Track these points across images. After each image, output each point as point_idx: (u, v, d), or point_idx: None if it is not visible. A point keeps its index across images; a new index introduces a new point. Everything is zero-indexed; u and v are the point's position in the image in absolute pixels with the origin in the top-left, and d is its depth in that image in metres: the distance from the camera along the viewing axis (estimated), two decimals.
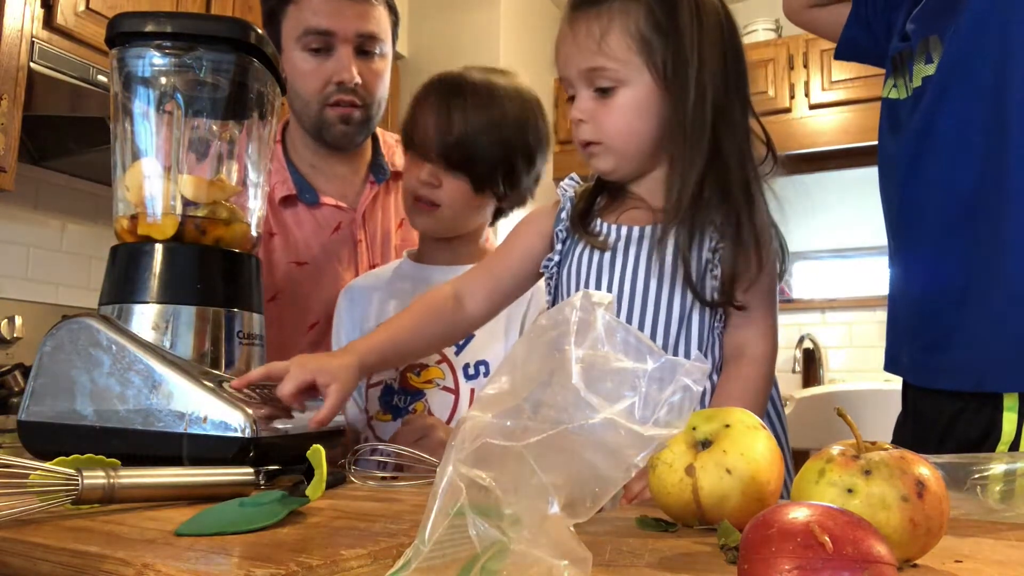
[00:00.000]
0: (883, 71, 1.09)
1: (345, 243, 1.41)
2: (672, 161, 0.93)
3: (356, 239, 1.41)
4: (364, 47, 1.34)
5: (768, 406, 0.98)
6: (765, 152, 0.97)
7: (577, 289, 0.98)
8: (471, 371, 1.19)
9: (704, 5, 0.92)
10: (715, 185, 0.92)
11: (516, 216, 1.25)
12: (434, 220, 1.20)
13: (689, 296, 0.92)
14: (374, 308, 1.26)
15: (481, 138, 1.14)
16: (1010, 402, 0.89)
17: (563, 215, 1.00)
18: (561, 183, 1.04)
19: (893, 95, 1.04)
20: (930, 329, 0.97)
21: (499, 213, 1.28)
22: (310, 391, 0.87)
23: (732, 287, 0.90)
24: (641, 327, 0.93)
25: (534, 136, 1.19)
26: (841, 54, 1.18)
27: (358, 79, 1.33)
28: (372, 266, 1.42)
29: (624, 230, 0.97)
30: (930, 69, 0.95)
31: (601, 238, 0.97)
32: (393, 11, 1.41)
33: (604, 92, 0.92)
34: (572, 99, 0.96)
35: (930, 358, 0.97)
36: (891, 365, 1.06)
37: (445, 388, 1.18)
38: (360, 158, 1.47)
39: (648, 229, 0.95)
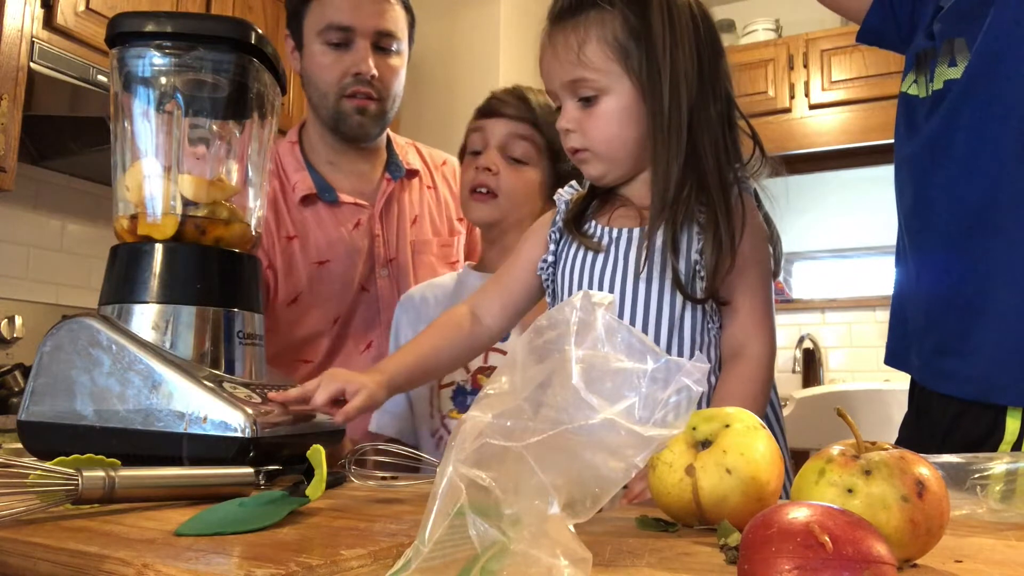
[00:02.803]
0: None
1: (364, 238, 1.43)
2: (654, 163, 0.94)
3: (374, 234, 1.44)
4: (381, 44, 1.39)
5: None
6: (753, 149, 0.97)
7: (571, 289, 0.99)
8: None
9: (675, 6, 0.93)
10: (694, 183, 0.93)
11: None
12: (490, 208, 1.24)
13: (679, 296, 0.93)
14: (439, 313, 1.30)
15: (547, 128, 1.19)
16: (1013, 408, 0.90)
17: (557, 219, 1.03)
18: (559, 190, 1.07)
19: (913, 91, 1.04)
20: (937, 333, 0.97)
21: None
22: (341, 401, 0.89)
23: (713, 281, 0.91)
24: (633, 327, 0.94)
25: None
26: (863, 38, 1.18)
27: (375, 71, 1.38)
28: (388, 260, 1.44)
29: (615, 232, 0.98)
30: (953, 72, 0.95)
31: (594, 240, 0.99)
32: (410, 12, 1.45)
33: (588, 101, 0.94)
34: (559, 109, 0.98)
35: (937, 362, 0.97)
36: (896, 361, 1.06)
37: None
38: (377, 155, 1.51)
39: (636, 231, 0.97)
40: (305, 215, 1.42)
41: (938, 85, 0.97)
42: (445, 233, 1.53)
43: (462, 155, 1.32)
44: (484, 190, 1.23)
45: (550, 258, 1.02)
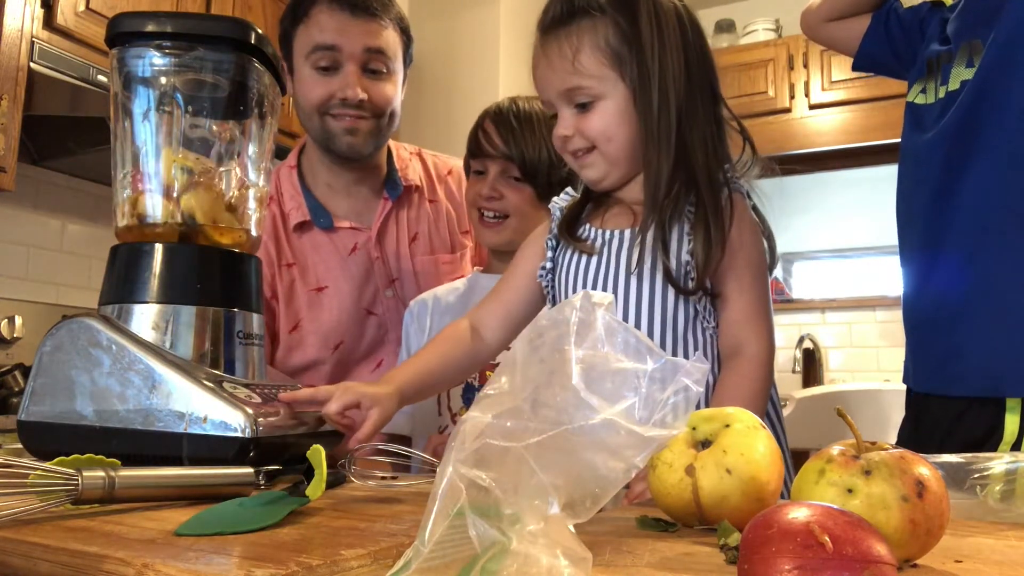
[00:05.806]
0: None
1: (362, 263, 1.41)
2: (646, 164, 0.95)
3: (372, 257, 1.42)
4: (371, 65, 1.34)
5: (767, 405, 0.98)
6: (743, 146, 0.98)
7: (568, 293, 1.00)
8: None
9: (662, 9, 0.94)
10: (683, 182, 0.94)
11: None
12: (503, 231, 1.25)
13: (671, 295, 0.93)
14: (448, 319, 1.29)
15: (539, 151, 1.22)
16: (1012, 403, 0.90)
17: (553, 226, 1.04)
18: (554, 198, 1.07)
19: (919, 100, 1.04)
20: (944, 338, 0.98)
21: None
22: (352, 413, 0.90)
23: (703, 274, 0.92)
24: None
25: None
26: (859, 66, 1.20)
27: (363, 95, 1.32)
28: (390, 282, 1.43)
29: (607, 234, 0.99)
30: (969, 73, 0.95)
31: (589, 242, 1.00)
32: (405, 32, 1.40)
33: (584, 107, 0.95)
34: (555, 116, 0.98)
35: (948, 367, 0.98)
36: (905, 376, 1.07)
37: None
38: (375, 174, 1.47)
39: (628, 231, 0.98)
40: (302, 242, 1.40)
41: (954, 86, 0.97)
42: (447, 248, 1.50)
43: (467, 163, 1.32)
44: (494, 215, 1.25)
45: (548, 264, 1.03)
